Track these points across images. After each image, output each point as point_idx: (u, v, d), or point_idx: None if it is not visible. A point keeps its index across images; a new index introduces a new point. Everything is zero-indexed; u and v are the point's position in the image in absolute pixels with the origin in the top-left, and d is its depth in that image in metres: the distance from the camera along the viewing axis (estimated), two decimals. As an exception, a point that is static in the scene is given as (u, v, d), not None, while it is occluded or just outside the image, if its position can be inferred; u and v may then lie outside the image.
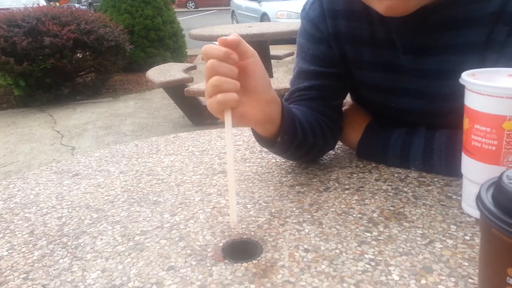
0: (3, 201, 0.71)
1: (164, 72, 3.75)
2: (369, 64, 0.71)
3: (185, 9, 26.23)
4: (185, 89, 3.06)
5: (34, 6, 5.60)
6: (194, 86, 3.03)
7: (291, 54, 4.56)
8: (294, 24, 3.91)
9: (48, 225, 0.62)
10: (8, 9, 8.02)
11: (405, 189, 0.64)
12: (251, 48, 0.54)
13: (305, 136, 0.66)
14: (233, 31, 3.34)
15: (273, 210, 0.60)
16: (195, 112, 3.63)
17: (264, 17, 8.40)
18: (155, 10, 6.63)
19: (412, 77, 0.68)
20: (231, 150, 0.51)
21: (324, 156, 0.79)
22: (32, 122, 4.25)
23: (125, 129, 3.83)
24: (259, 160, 0.80)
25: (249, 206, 0.62)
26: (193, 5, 28.18)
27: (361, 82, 0.75)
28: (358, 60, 0.72)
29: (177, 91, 3.57)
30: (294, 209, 0.60)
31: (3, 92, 5.31)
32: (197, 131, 1.03)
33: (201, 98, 3.46)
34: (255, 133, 0.65)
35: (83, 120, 4.19)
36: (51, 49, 4.60)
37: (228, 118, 0.52)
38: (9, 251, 0.56)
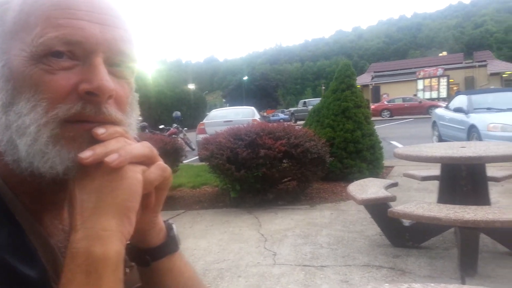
0: None
1: (364, 188, 3.78)
2: None
3: (379, 118, 26.81)
4: (388, 209, 2.98)
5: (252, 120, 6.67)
6: (399, 208, 2.92)
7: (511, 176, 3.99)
8: (517, 143, 3.46)
9: None
10: (230, 121, 9.90)
11: None
12: None
13: None
14: (443, 151, 3.18)
15: None
16: (396, 233, 3.44)
17: (472, 130, 7.70)
18: (355, 124, 7.00)
19: None
20: None
21: None
22: (241, 222, 4.79)
23: (322, 240, 3.90)
24: None
25: None
26: (388, 113, 28.65)
27: None
28: None
29: (377, 208, 3.50)
30: None
31: (221, 193, 6.26)
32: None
33: (404, 220, 3.29)
34: None
35: (284, 225, 4.50)
36: (264, 159, 5.28)
37: None
38: None
